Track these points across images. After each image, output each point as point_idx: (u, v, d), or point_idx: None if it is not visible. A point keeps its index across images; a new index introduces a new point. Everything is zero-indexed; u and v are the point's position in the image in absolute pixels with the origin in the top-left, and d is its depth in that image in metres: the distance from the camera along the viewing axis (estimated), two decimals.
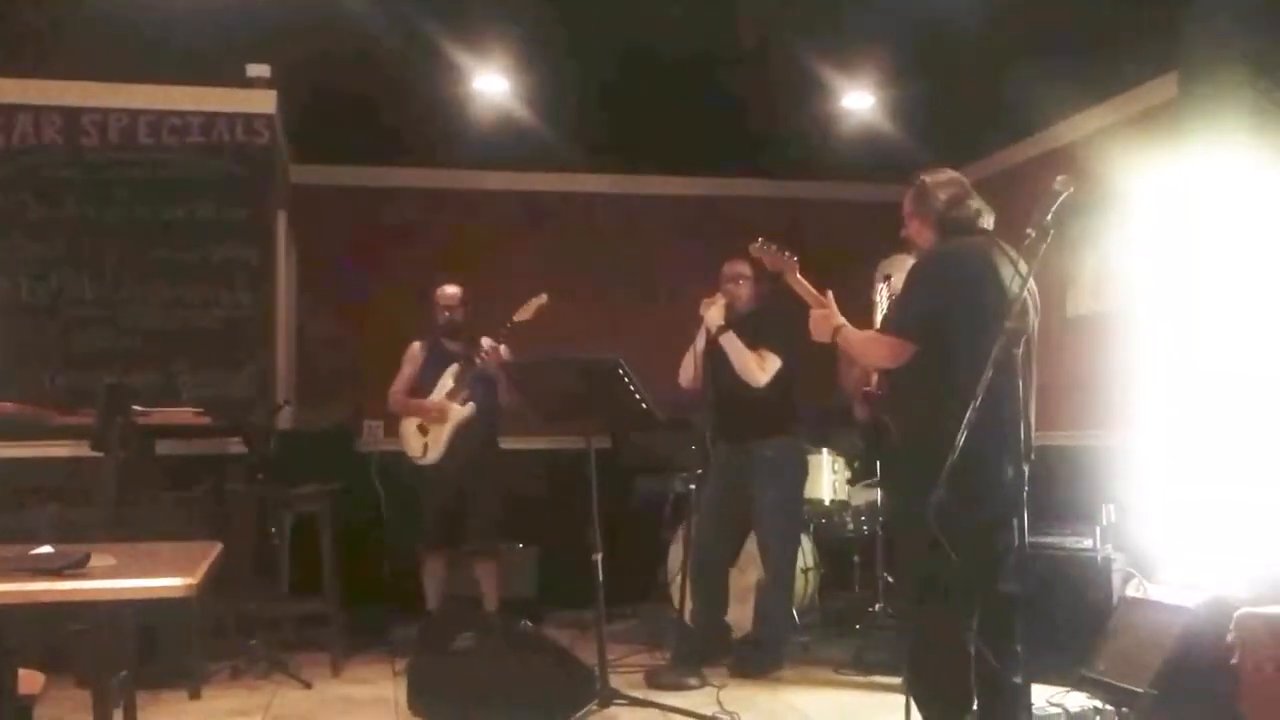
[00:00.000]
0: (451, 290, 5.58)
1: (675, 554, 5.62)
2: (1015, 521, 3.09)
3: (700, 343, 5.06)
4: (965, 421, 2.84)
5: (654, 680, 4.80)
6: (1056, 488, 5.03)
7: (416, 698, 4.33)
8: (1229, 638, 3.52)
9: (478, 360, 5.38)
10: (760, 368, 4.97)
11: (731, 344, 4.98)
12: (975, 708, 3.17)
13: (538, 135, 6.03)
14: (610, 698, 4.35)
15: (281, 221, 5.95)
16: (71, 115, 5.43)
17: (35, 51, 5.03)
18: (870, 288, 4.46)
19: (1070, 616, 4.40)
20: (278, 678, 4.88)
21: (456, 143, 6.33)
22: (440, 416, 5.41)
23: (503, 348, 5.38)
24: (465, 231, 6.95)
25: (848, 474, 5.79)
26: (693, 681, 4.79)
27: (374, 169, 6.86)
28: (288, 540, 5.46)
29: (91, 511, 4.55)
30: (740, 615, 5.28)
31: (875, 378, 3.59)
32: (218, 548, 2.77)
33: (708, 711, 4.30)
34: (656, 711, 4.36)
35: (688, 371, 5.10)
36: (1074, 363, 5.71)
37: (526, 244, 6.98)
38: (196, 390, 5.37)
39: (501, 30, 4.84)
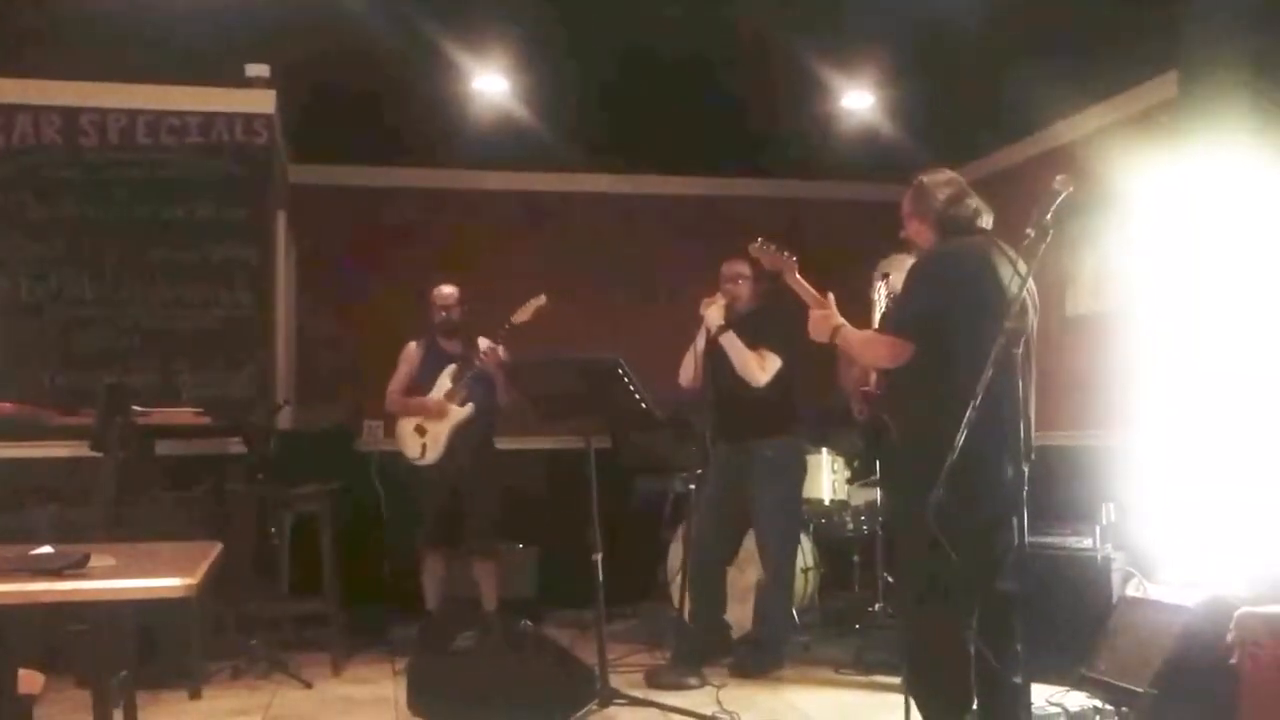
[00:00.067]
0: (448, 290, 5.57)
1: (675, 554, 5.62)
2: (1015, 521, 3.09)
3: (700, 342, 5.06)
4: (965, 421, 2.84)
5: (654, 680, 4.80)
6: (1056, 487, 5.03)
7: (417, 698, 4.33)
8: (1229, 637, 3.52)
9: (477, 361, 5.38)
10: (761, 367, 4.97)
11: (732, 344, 4.98)
12: (975, 707, 3.17)
13: (538, 135, 6.03)
14: (610, 697, 4.35)
15: (281, 221, 5.96)
16: (71, 115, 5.43)
17: (35, 51, 5.03)
18: (870, 288, 4.45)
19: (1070, 616, 4.39)
20: (278, 678, 4.88)
21: (456, 143, 6.33)
22: (439, 414, 5.40)
23: (500, 349, 5.38)
24: (465, 231, 6.95)
25: (847, 473, 5.79)
26: (693, 681, 4.79)
27: (373, 169, 6.86)
28: (288, 540, 5.46)
29: (91, 511, 4.55)
30: (740, 614, 5.28)
31: (874, 377, 3.59)
32: (218, 548, 2.77)
33: (708, 711, 4.30)
34: (656, 711, 4.36)
35: (688, 371, 5.10)
36: (1074, 362, 5.71)
37: (526, 244, 6.98)
38: (196, 390, 5.37)
39: (501, 30, 4.84)
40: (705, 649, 5.02)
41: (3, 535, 4.13)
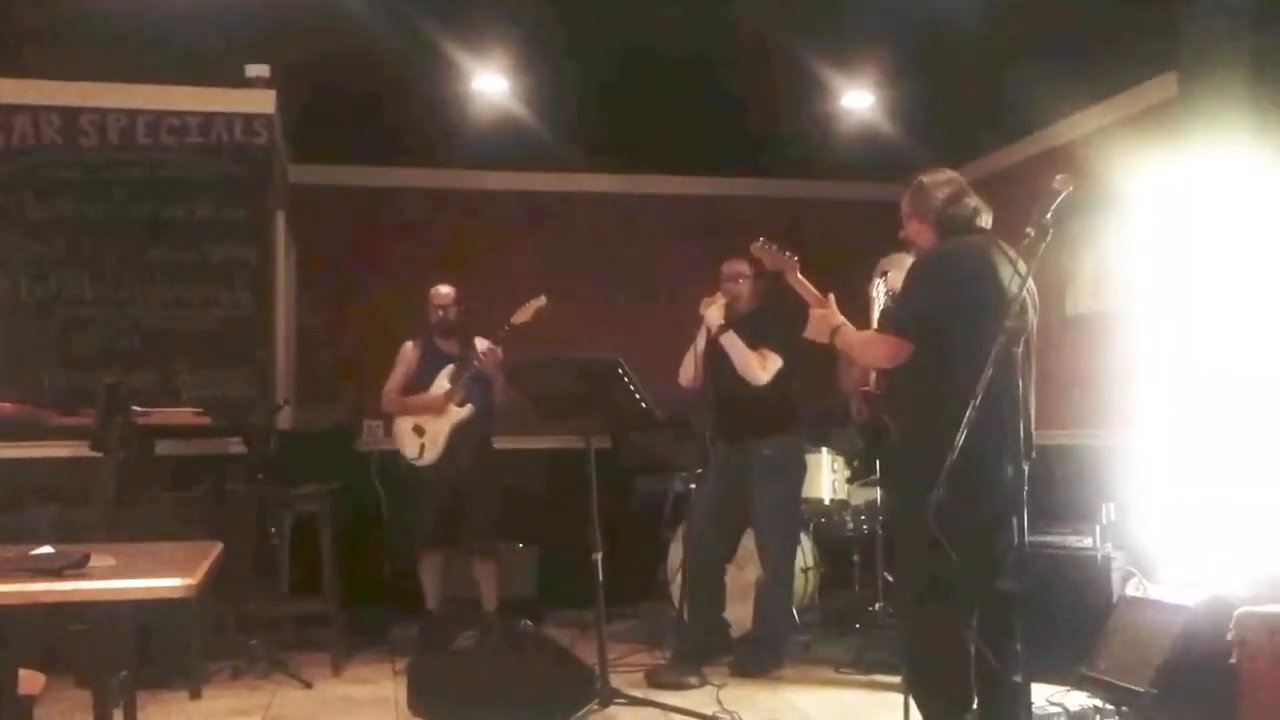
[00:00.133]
0: (445, 290, 5.57)
1: (675, 553, 5.63)
2: (1015, 520, 3.09)
3: (700, 342, 5.07)
4: (965, 421, 2.84)
5: (654, 679, 4.80)
6: (1056, 487, 5.04)
7: (417, 697, 4.33)
8: (1229, 637, 3.52)
9: (476, 363, 5.38)
10: (762, 366, 4.97)
11: (732, 343, 4.98)
12: (975, 707, 3.17)
13: (538, 135, 6.03)
14: (610, 697, 4.35)
15: (280, 221, 5.96)
16: (70, 115, 5.43)
17: (35, 51, 5.03)
18: (870, 286, 4.45)
19: (1070, 615, 4.39)
20: (278, 677, 4.88)
21: (456, 143, 6.33)
22: (439, 411, 5.40)
23: (498, 350, 5.37)
24: (465, 231, 6.95)
25: (847, 473, 5.79)
26: (693, 681, 4.79)
27: (373, 169, 6.86)
28: (288, 540, 5.46)
29: (91, 512, 4.55)
30: (740, 613, 5.28)
31: (874, 377, 3.59)
32: (218, 548, 2.77)
33: (708, 711, 4.30)
34: (657, 711, 4.36)
35: (688, 371, 5.10)
36: (1073, 362, 5.71)
37: (526, 244, 6.98)
38: (196, 390, 5.37)
39: (501, 30, 4.84)
40: (705, 648, 5.02)
41: (3, 535, 4.12)
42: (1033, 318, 3.25)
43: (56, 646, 3.89)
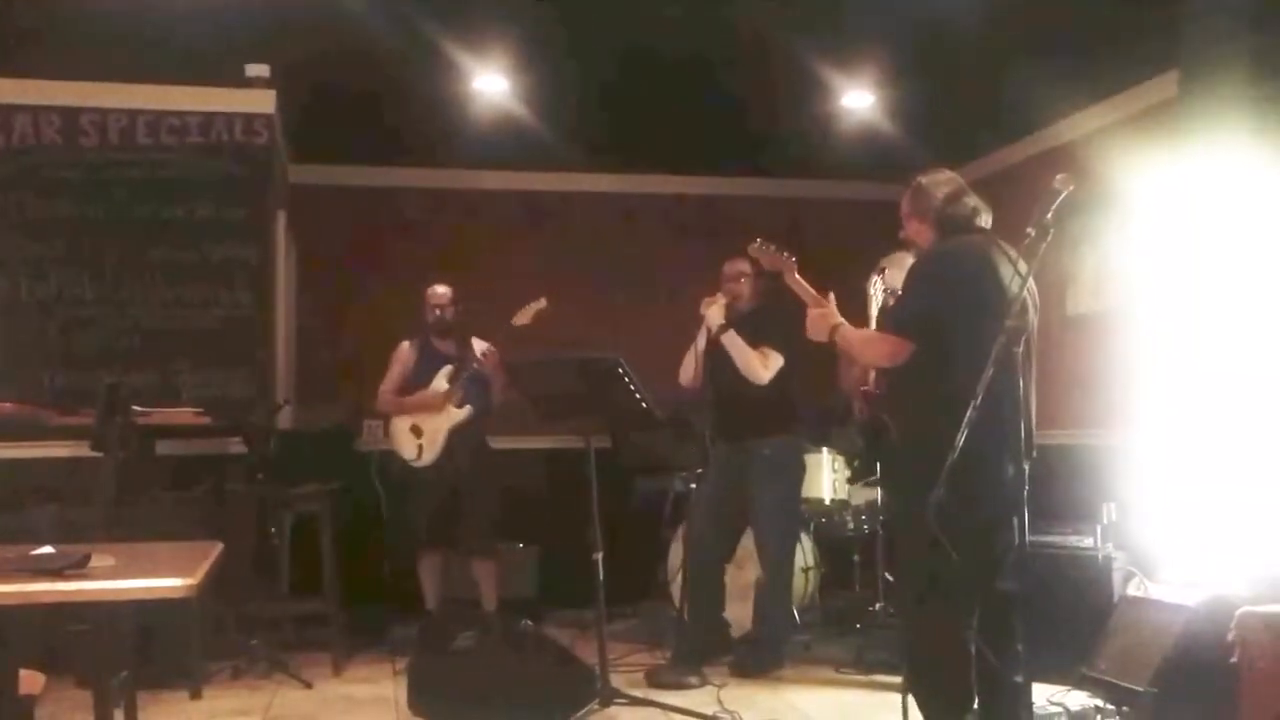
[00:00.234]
0: (442, 290, 5.57)
1: (675, 553, 5.63)
2: (1016, 520, 3.08)
3: (701, 342, 5.07)
4: (965, 420, 2.84)
5: (654, 679, 4.80)
6: (1057, 486, 5.02)
7: (417, 697, 4.33)
8: (1229, 636, 3.52)
9: (475, 364, 5.38)
10: (763, 365, 4.97)
11: (733, 342, 4.98)
12: (976, 707, 3.17)
13: (538, 135, 6.03)
14: (611, 697, 4.35)
15: (280, 221, 5.96)
16: (70, 115, 5.43)
17: (35, 51, 5.03)
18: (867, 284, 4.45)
19: (1071, 615, 4.39)
20: (278, 677, 4.88)
21: (456, 143, 6.33)
22: (438, 411, 5.39)
23: (496, 351, 5.37)
24: (465, 231, 6.95)
25: (848, 473, 5.79)
26: (693, 680, 4.79)
27: (373, 169, 6.86)
28: (288, 540, 5.46)
29: (91, 511, 4.54)
30: (740, 613, 5.28)
31: (873, 377, 3.59)
32: (218, 548, 2.77)
33: (708, 711, 4.30)
34: (657, 710, 4.36)
35: (688, 371, 5.10)
36: (1074, 361, 5.71)
37: (526, 244, 6.98)
38: (196, 390, 5.37)
39: (501, 30, 4.84)
40: (705, 648, 5.02)
41: (3, 535, 4.13)
42: (1033, 317, 3.25)
43: (57, 646, 3.88)
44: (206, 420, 4.91)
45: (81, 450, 4.73)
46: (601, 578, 4.45)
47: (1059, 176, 3.00)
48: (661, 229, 7.22)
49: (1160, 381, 5.05)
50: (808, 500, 5.51)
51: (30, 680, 2.83)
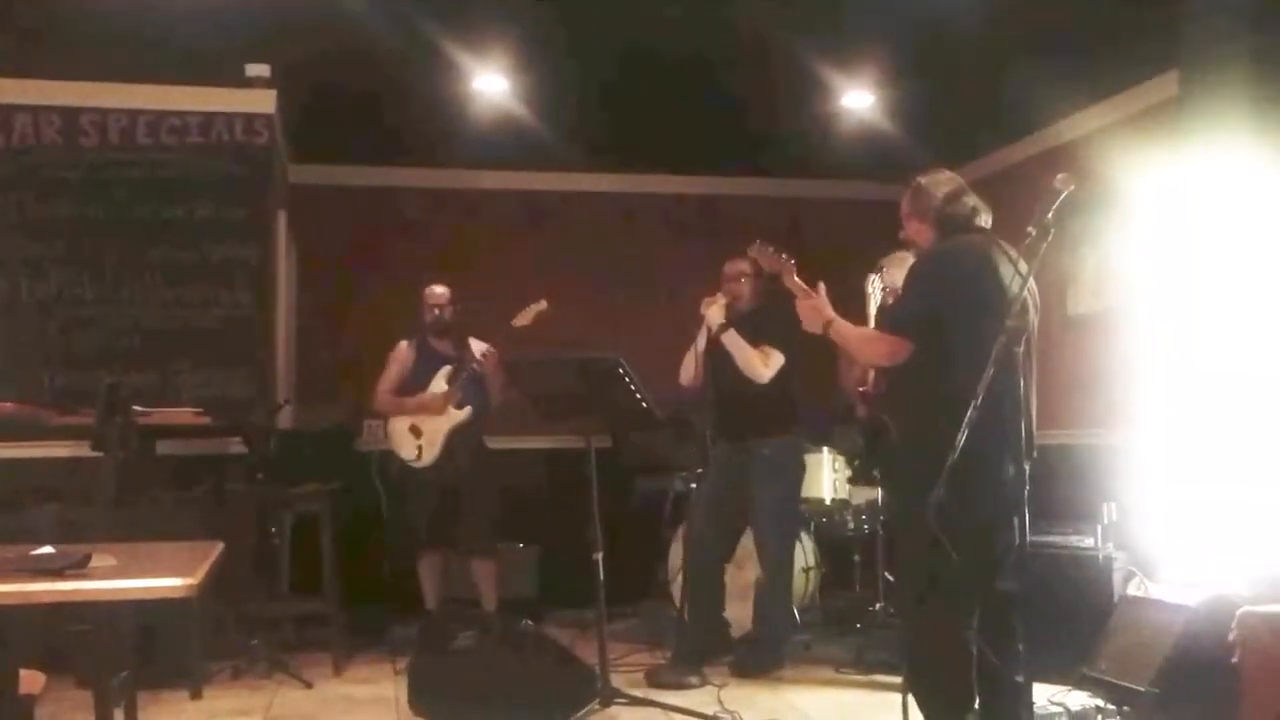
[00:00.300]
0: (440, 289, 5.57)
1: (675, 553, 5.63)
2: (1016, 520, 3.08)
3: (701, 342, 5.06)
4: (966, 420, 2.84)
5: (655, 679, 4.80)
6: (1057, 486, 5.02)
7: (417, 697, 4.33)
8: (1230, 636, 3.52)
9: (474, 365, 5.38)
10: (764, 363, 4.97)
11: (734, 341, 4.98)
12: (977, 707, 3.16)
13: (538, 135, 6.03)
14: (611, 697, 4.35)
15: (281, 221, 5.96)
16: (70, 115, 5.43)
17: (35, 51, 5.03)
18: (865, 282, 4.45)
19: (1071, 615, 4.39)
20: (279, 677, 4.88)
21: (456, 143, 6.33)
22: (438, 412, 5.39)
23: (495, 352, 5.37)
24: (465, 231, 6.95)
25: (848, 473, 5.79)
26: (693, 680, 4.79)
27: (374, 169, 6.86)
28: (288, 540, 5.46)
29: (91, 511, 4.54)
30: (739, 612, 5.28)
31: (871, 376, 3.58)
32: (218, 548, 2.77)
33: (709, 710, 4.30)
34: (657, 710, 4.36)
35: (688, 371, 5.10)
36: (1075, 361, 5.71)
37: (526, 244, 6.98)
38: (196, 390, 5.36)
39: (501, 30, 4.84)
40: (705, 648, 5.02)
41: (4, 535, 4.12)
42: (1034, 317, 3.25)
43: (57, 646, 3.87)
44: (206, 420, 4.91)
45: (81, 450, 4.72)
46: (602, 578, 4.45)
47: (1059, 176, 3.00)
48: (661, 229, 7.22)
49: (1160, 381, 5.05)
50: (808, 500, 5.51)
51: (30, 680, 2.83)
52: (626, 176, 7.19)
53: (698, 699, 4.52)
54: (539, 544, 6.30)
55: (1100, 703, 4.07)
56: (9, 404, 4.76)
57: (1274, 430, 4.15)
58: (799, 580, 5.41)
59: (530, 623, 5.60)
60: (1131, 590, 4.41)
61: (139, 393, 4.87)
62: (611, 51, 5.13)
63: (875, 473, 5.71)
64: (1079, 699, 4.14)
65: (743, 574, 5.31)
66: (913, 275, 3.36)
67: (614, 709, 4.33)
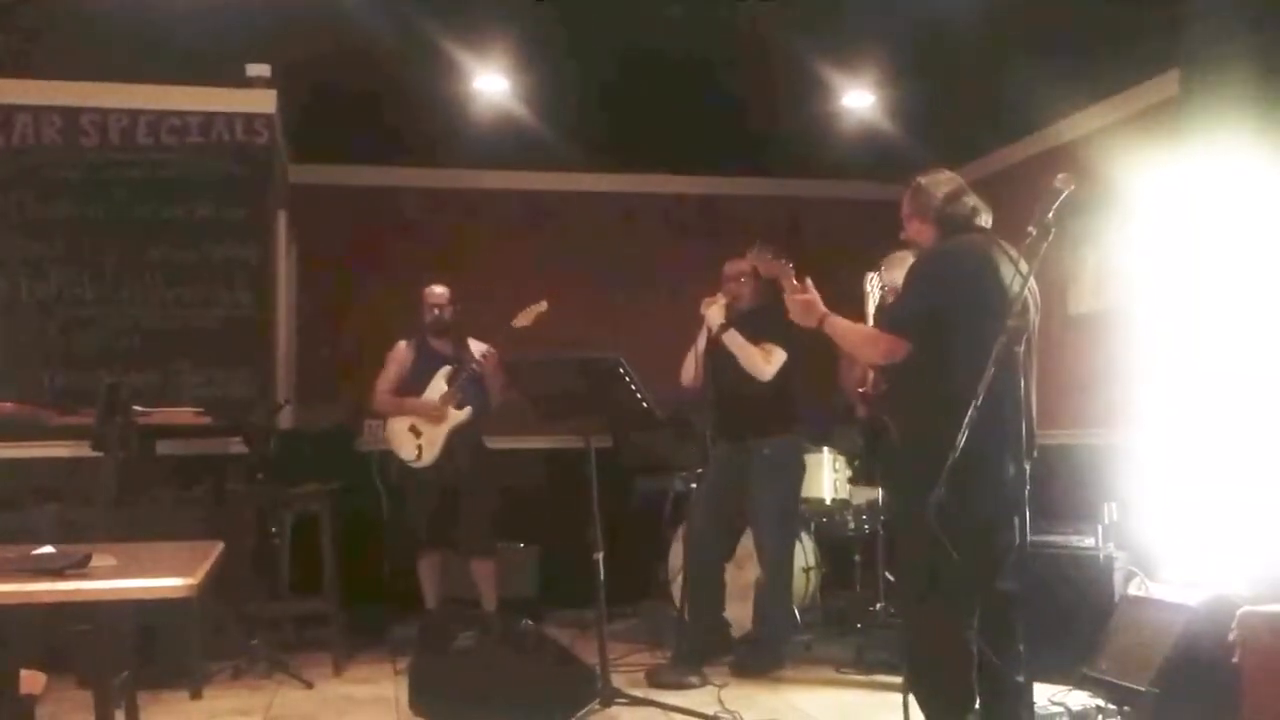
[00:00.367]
0: (439, 289, 5.57)
1: (675, 553, 5.62)
2: (1016, 520, 3.08)
3: (701, 342, 5.06)
4: (966, 420, 2.83)
5: (655, 679, 4.80)
6: (1058, 486, 5.03)
7: (417, 697, 4.33)
8: (1231, 636, 3.52)
9: (474, 366, 5.37)
10: (766, 360, 4.97)
11: (734, 341, 4.98)
12: (977, 707, 3.16)
13: (538, 135, 6.03)
14: (611, 697, 4.34)
15: (281, 221, 5.95)
16: (71, 115, 5.43)
17: (35, 51, 5.02)
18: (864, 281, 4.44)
19: (1072, 615, 4.39)
20: (279, 677, 4.88)
21: (456, 142, 6.33)
22: (439, 418, 5.39)
23: (495, 353, 5.36)
24: (465, 231, 6.95)
25: (848, 473, 5.79)
26: (694, 680, 4.79)
27: (374, 169, 6.86)
28: (288, 540, 5.45)
29: (92, 511, 4.54)
30: (740, 613, 5.28)
31: (870, 377, 3.58)
32: (218, 548, 2.76)
33: (709, 710, 4.29)
34: (658, 710, 4.36)
35: (689, 371, 5.10)
36: (1075, 361, 5.71)
37: (526, 244, 6.98)
38: (196, 390, 5.36)
39: (501, 30, 4.84)
40: (705, 648, 5.02)
41: (4, 535, 4.12)
42: (1034, 317, 3.25)
43: (58, 646, 3.87)
44: (207, 420, 4.91)
45: (81, 450, 4.72)
46: (602, 577, 4.45)
47: (1060, 176, 3.00)
48: (661, 229, 7.22)
49: (1161, 381, 5.04)
50: (808, 500, 5.51)
51: (31, 680, 2.83)
52: (626, 176, 7.19)
53: (698, 699, 4.52)
54: (539, 544, 6.30)
55: (1101, 703, 4.07)
56: (9, 404, 4.75)
57: (1274, 430, 4.15)
58: (799, 580, 5.40)
59: (530, 623, 5.59)
60: (1132, 590, 4.41)
61: (139, 393, 4.86)
62: (611, 51, 5.13)
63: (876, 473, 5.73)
64: (1079, 699, 4.14)
65: (743, 574, 5.31)
66: (912, 274, 3.35)
67: (614, 709, 4.33)
